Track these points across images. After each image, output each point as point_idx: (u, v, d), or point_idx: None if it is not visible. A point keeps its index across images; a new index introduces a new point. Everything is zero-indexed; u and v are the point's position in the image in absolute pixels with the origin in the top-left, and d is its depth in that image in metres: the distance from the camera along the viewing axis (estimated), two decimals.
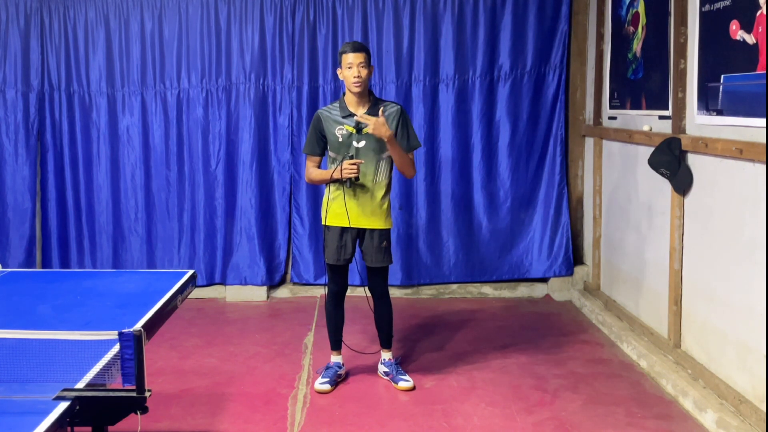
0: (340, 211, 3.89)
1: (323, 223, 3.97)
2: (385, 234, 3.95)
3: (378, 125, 3.73)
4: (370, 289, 4.08)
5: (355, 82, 3.78)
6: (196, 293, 5.66)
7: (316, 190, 5.78)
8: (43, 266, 5.84)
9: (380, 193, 3.90)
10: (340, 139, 3.87)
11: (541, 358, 4.40)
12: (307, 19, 5.70)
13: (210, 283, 5.87)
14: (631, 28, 4.69)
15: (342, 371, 4.08)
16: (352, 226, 3.90)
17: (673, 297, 4.07)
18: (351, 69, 3.77)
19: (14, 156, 5.76)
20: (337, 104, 3.93)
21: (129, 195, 5.82)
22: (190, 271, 3.28)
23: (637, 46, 4.60)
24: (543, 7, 5.63)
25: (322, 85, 5.74)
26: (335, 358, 4.09)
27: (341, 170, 3.77)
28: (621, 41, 4.87)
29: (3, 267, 4.75)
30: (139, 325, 2.44)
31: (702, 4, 3.69)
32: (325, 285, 5.75)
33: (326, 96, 5.73)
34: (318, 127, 3.91)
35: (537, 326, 5.06)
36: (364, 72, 3.79)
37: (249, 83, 5.72)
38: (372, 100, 3.91)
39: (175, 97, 5.76)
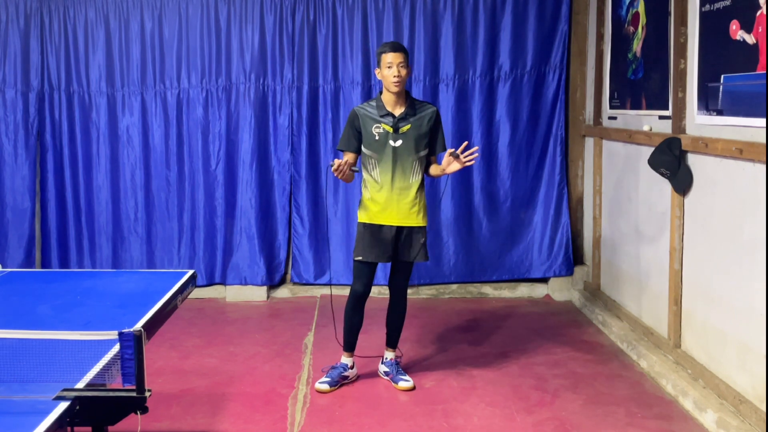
0: (375, 209, 3.90)
1: (360, 220, 3.96)
2: (422, 231, 3.96)
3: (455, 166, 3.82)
4: (390, 285, 4.08)
5: (395, 82, 3.78)
6: (196, 293, 5.66)
7: (316, 190, 5.79)
8: (43, 266, 5.84)
9: (416, 191, 3.91)
10: (377, 138, 3.87)
11: (541, 358, 4.40)
12: (307, 19, 5.70)
13: (210, 283, 5.87)
14: (631, 28, 4.69)
15: (349, 373, 4.06)
16: (389, 223, 3.90)
17: (673, 297, 4.07)
18: (391, 68, 3.78)
19: (14, 156, 5.76)
20: (373, 102, 3.93)
21: (129, 195, 5.82)
22: (190, 271, 3.28)
23: (637, 46, 4.60)
24: (543, 7, 5.63)
25: (322, 85, 5.74)
26: (346, 360, 4.07)
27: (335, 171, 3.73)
28: (621, 41, 4.87)
29: (2, 267, 4.75)
30: (139, 325, 2.44)
31: (702, 4, 3.69)
32: (326, 285, 5.81)
33: (326, 96, 5.73)
34: (355, 124, 3.91)
35: (537, 326, 5.06)
36: (403, 72, 3.80)
37: (249, 83, 5.72)
38: (409, 100, 3.92)
39: (175, 97, 5.76)
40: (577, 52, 5.73)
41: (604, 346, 4.63)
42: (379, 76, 3.89)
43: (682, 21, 3.95)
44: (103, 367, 2.14)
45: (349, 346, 4.08)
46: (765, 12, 3.11)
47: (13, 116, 5.73)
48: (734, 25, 3.36)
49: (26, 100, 5.74)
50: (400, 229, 3.92)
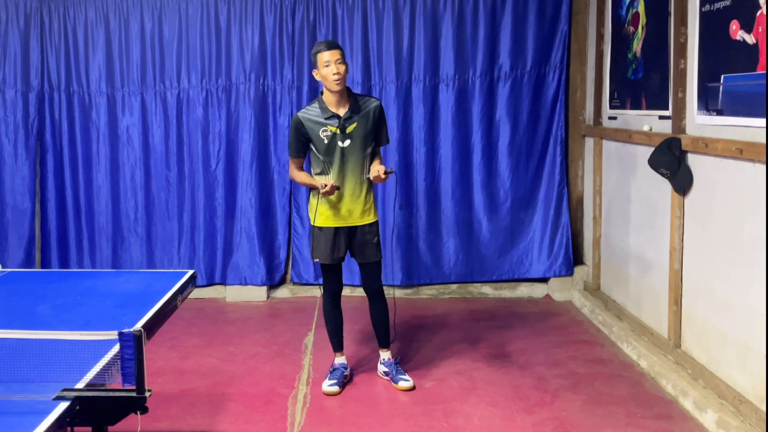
0: (330, 212, 3.89)
1: (313, 224, 3.95)
2: (375, 227, 3.97)
3: (378, 178, 3.81)
4: (365, 289, 4.07)
5: (335, 80, 3.75)
6: (196, 293, 5.66)
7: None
8: (43, 266, 5.84)
9: (366, 189, 3.92)
10: (326, 141, 3.85)
11: (541, 358, 4.40)
12: (307, 19, 5.70)
13: (210, 283, 5.87)
14: (631, 28, 4.69)
15: (347, 372, 4.07)
16: (345, 225, 3.90)
17: (673, 297, 4.07)
18: (329, 67, 3.75)
19: (14, 156, 5.76)
20: (315, 105, 3.89)
21: (129, 195, 5.82)
22: (190, 271, 3.28)
23: (637, 46, 4.60)
24: (543, 7, 5.63)
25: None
26: (339, 360, 4.08)
27: (321, 194, 3.80)
28: (621, 41, 4.87)
29: (2, 267, 4.75)
30: (139, 325, 2.44)
31: (702, 4, 3.69)
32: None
33: None
34: (300, 131, 3.87)
35: (537, 326, 5.06)
36: (342, 68, 3.76)
37: (249, 83, 5.72)
38: (351, 97, 3.89)
39: (175, 97, 5.76)
40: (577, 52, 5.73)
41: (604, 346, 4.63)
42: (317, 77, 3.85)
43: (682, 21, 3.95)
44: (103, 367, 2.14)
45: (339, 346, 4.09)
46: (765, 12, 3.11)
47: (13, 116, 5.74)
48: (734, 25, 3.36)
49: (26, 100, 5.74)
50: (353, 228, 3.93)
